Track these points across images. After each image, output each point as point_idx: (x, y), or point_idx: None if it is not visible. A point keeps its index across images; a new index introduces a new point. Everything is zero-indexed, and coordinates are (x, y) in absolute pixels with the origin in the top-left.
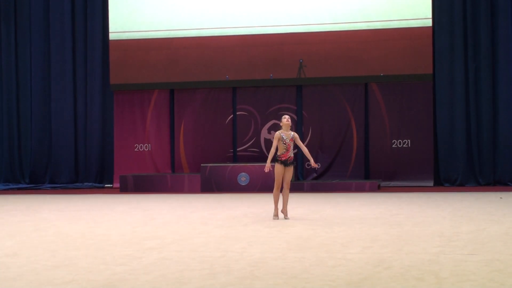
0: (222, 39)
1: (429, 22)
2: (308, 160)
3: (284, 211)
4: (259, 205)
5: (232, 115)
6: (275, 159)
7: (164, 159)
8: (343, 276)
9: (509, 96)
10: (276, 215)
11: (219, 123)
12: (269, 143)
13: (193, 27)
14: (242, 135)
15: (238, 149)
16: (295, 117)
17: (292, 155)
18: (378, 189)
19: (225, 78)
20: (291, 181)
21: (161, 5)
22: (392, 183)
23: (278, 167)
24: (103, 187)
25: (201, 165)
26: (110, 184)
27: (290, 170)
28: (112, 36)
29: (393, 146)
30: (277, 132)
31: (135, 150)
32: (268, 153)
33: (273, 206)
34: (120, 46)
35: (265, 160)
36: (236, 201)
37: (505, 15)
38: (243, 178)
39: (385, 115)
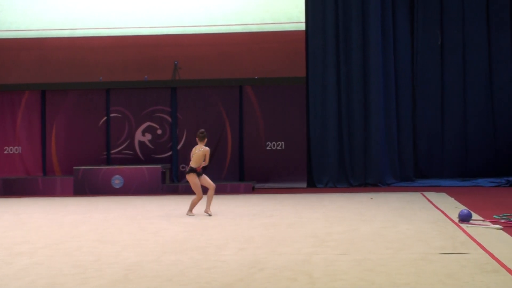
0: (95, 40)
1: (302, 26)
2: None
3: (207, 209)
4: (133, 207)
5: (105, 117)
6: (190, 169)
7: (35, 162)
8: (218, 278)
9: (380, 100)
10: (191, 211)
11: (92, 125)
12: (143, 145)
13: (66, 27)
14: (116, 137)
15: (112, 152)
16: (169, 119)
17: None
18: (253, 190)
19: (99, 79)
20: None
21: (33, 4)
22: (267, 185)
23: (195, 177)
24: None
25: (74, 167)
26: None
27: (205, 176)
28: None
29: (267, 148)
30: (207, 148)
31: (5, 152)
32: (143, 155)
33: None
34: None
35: (139, 163)
36: (110, 204)
37: (375, 19)
38: (117, 181)
39: (259, 117)
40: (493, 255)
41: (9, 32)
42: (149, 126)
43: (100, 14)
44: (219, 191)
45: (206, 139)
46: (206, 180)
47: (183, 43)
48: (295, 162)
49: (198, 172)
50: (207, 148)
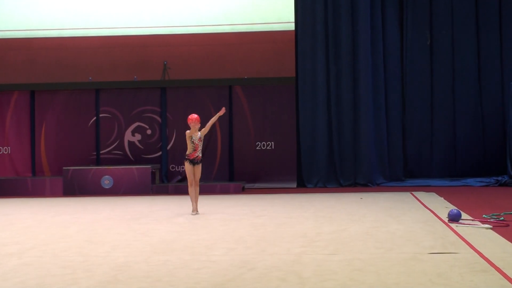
0: (85, 40)
1: (292, 26)
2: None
3: (194, 207)
4: (122, 208)
5: (95, 117)
6: (184, 158)
7: (24, 162)
8: (208, 278)
9: (369, 100)
10: (194, 210)
11: (82, 125)
12: (133, 145)
13: (54, 27)
14: (106, 138)
15: (101, 152)
16: (159, 119)
17: (200, 154)
18: (243, 190)
19: (88, 79)
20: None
21: (20, 4)
22: (256, 185)
23: (187, 166)
24: None
25: (63, 168)
26: None
27: (198, 168)
28: None
29: (257, 148)
30: (187, 131)
31: None
32: (133, 155)
33: (190, 203)
34: None
35: (129, 163)
36: (99, 205)
37: (365, 19)
38: (106, 181)
39: (249, 117)
40: (483, 255)
41: None
42: (138, 126)
43: (89, 14)
44: (209, 191)
45: (191, 126)
46: (198, 172)
47: (172, 43)
48: (285, 162)
49: (192, 160)
50: (186, 131)
